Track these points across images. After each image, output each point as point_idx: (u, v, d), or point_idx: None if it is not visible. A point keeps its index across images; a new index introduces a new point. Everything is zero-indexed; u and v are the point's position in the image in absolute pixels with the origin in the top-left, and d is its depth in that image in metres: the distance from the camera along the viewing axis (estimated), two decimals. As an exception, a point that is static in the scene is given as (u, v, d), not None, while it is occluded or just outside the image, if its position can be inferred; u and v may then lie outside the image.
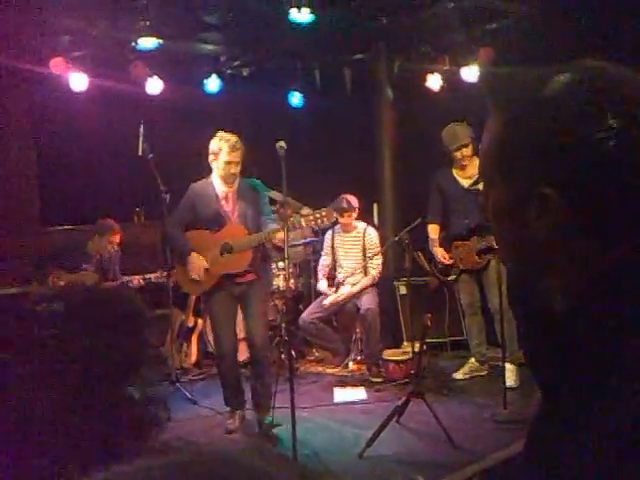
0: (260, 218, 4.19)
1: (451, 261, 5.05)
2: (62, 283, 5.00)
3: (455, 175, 5.04)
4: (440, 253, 5.08)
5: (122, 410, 0.89)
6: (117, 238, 5.35)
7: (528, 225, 0.75)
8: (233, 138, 4.14)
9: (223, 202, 4.21)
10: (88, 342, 0.88)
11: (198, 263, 4.16)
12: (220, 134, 4.17)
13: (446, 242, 5.10)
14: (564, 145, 0.72)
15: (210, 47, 6.04)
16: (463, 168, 4.98)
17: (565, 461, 0.70)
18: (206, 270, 4.16)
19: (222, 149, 4.09)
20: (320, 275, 5.76)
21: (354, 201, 5.48)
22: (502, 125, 0.79)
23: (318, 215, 4.05)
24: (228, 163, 4.09)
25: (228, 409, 4.30)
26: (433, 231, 5.16)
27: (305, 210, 5.24)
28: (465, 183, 4.99)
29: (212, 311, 4.26)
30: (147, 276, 5.26)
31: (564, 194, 0.72)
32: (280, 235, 3.89)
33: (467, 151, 4.87)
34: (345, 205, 5.38)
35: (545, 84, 0.76)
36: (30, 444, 0.85)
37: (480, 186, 4.85)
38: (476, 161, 4.89)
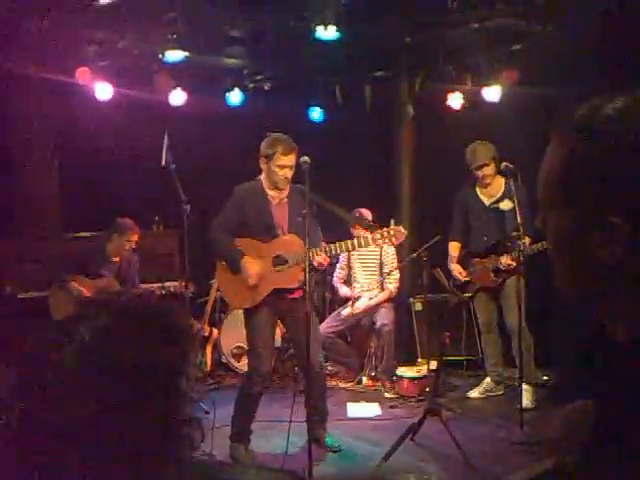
0: (314, 229, 3.81)
1: (468, 278, 5.05)
2: (83, 289, 5.05)
3: (478, 193, 5.06)
4: (457, 269, 5.08)
5: (161, 429, 0.89)
6: (136, 237, 5.34)
7: (591, 252, 0.75)
8: (288, 139, 3.82)
9: (274, 209, 3.90)
10: (130, 357, 0.88)
11: (254, 268, 3.79)
12: (274, 135, 3.87)
13: (465, 259, 5.11)
14: (636, 175, 0.72)
15: (234, 61, 6.12)
16: (486, 186, 5.00)
17: None
18: (255, 285, 3.82)
19: (276, 151, 3.77)
20: (338, 284, 5.78)
21: (367, 214, 5.49)
22: (569, 151, 0.78)
23: (386, 234, 3.82)
24: (282, 167, 3.78)
25: (234, 444, 3.91)
26: (453, 248, 5.17)
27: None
28: (486, 201, 5.01)
29: (256, 328, 3.86)
30: (166, 285, 5.29)
31: (634, 224, 0.72)
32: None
33: (488, 170, 4.87)
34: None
35: (616, 111, 0.76)
36: (70, 459, 0.85)
37: (502, 205, 4.87)
38: (499, 179, 4.91)
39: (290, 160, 3.77)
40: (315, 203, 3.89)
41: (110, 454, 0.84)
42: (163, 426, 0.89)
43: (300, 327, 3.73)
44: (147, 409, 0.87)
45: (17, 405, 0.86)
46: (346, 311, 5.49)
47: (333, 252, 3.84)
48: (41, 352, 0.89)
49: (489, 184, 4.96)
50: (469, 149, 4.92)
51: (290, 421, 3.66)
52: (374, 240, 3.83)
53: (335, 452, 4.03)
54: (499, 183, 4.93)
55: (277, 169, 3.79)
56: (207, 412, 4.75)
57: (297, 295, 3.85)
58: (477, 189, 5.05)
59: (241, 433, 3.94)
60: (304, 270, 3.61)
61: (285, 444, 3.69)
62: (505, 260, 4.74)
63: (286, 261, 3.82)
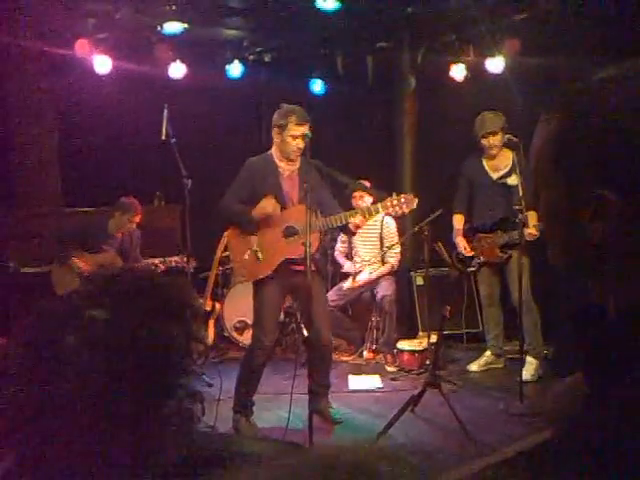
0: (323, 201, 3.85)
1: (472, 252, 4.99)
2: (83, 264, 5.07)
3: (484, 165, 4.95)
4: (462, 243, 5.02)
5: (163, 402, 0.90)
6: (138, 218, 5.35)
7: (582, 227, 0.74)
8: (301, 110, 3.81)
9: (284, 181, 3.89)
10: (137, 330, 0.89)
11: (267, 203, 3.76)
12: (287, 106, 3.86)
13: (469, 233, 5.03)
14: (628, 146, 0.70)
15: (233, 32, 6.05)
16: (492, 158, 4.89)
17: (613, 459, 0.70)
18: (266, 255, 3.82)
19: (289, 121, 3.76)
20: (340, 258, 5.80)
21: (367, 185, 5.46)
22: (560, 124, 0.77)
23: (396, 201, 3.72)
24: (295, 137, 3.76)
25: (237, 415, 3.96)
26: (458, 221, 5.08)
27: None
28: (494, 174, 4.91)
29: (262, 300, 3.88)
30: (167, 259, 5.30)
31: (624, 198, 0.71)
32: (355, 220, 3.70)
33: (495, 140, 4.76)
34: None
35: (609, 82, 0.74)
36: (71, 428, 0.86)
37: (510, 180, 4.76)
38: (507, 153, 4.76)
39: (303, 130, 3.75)
40: (326, 175, 3.87)
41: (110, 427, 0.85)
42: (163, 400, 0.89)
43: (310, 300, 3.71)
44: (148, 383, 0.88)
45: (20, 378, 0.87)
46: (347, 285, 5.52)
47: (344, 221, 3.77)
48: (45, 327, 0.90)
49: (495, 155, 4.85)
50: (478, 117, 4.80)
51: (291, 393, 3.69)
52: (385, 207, 3.74)
53: (337, 424, 4.08)
54: (506, 156, 4.79)
55: (290, 139, 3.78)
56: (210, 385, 4.82)
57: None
58: (484, 161, 4.94)
59: (243, 404, 3.99)
60: (316, 240, 3.61)
61: (287, 416, 3.73)
62: (514, 235, 4.55)
63: (297, 232, 3.80)
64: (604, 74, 0.76)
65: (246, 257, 3.90)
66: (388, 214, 3.89)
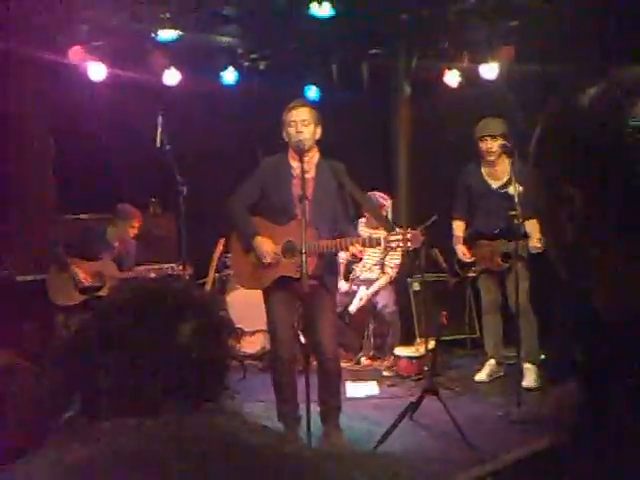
0: (336, 215, 3.70)
1: (472, 259, 4.92)
2: (81, 272, 5.05)
3: (483, 174, 4.91)
4: (461, 250, 4.95)
5: (202, 419, 0.88)
6: (137, 224, 5.33)
7: (560, 226, 0.76)
8: (298, 98, 3.79)
9: (295, 183, 3.64)
10: (178, 348, 0.88)
11: (267, 246, 3.68)
12: None
13: (470, 240, 4.95)
14: (593, 147, 0.72)
15: (228, 39, 6.06)
16: (491, 165, 4.84)
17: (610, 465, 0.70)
18: (264, 267, 3.72)
19: (285, 111, 3.65)
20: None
21: (385, 199, 5.49)
22: (541, 127, 0.80)
23: (401, 236, 3.51)
24: (292, 124, 3.61)
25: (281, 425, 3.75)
26: (458, 228, 5.02)
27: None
28: (493, 183, 4.86)
29: (271, 310, 3.78)
30: (164, 267, 5.27)
31: (589, 197, 0.73)
32: (353, 250, 3.54)
33: (492, 144, 4.69)
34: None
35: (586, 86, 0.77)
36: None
37: (510, 189, 4.69)
38: (506, 161, 4.71)
39: (297, 115, 3.62)
40: (347, 185, 3.71)
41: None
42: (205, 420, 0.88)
43: (313, 314, 3.67)
44: (191, 402, 0.87)
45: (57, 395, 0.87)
46: (354, 306, 5.43)
47: (340, 248, 3.64)
48: (82, 347, 0.89)
49: (495, 163, 4.80)
50: (480, 122, 4.80)
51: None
52: (387, 242, 3.55)
53: None
54: (506, 165, 4.74)
55: (289, 129, 3.64)
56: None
57: (312, 282, 3.57)
58: (482, 170, 4.90)
59: (283, 415, 3.82)
60: (314, 261, 3.50)
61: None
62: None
63: (295, 249, 3.63)
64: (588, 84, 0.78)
65: (245, 267, 3.84)
66: (390, 248, 3.66)
